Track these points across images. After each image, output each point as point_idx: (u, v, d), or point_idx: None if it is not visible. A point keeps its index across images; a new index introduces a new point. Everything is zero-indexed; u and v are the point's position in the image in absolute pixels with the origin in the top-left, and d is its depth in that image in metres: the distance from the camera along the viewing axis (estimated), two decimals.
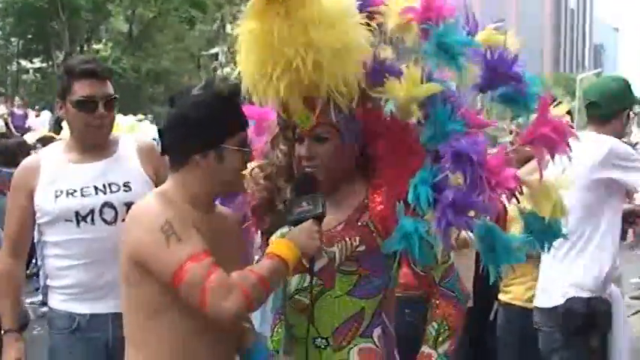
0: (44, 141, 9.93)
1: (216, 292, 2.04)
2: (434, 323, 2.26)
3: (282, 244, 2.17)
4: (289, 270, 2.14)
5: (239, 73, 2.25)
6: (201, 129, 2.20)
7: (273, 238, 2.32)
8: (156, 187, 2.94)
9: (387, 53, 2.27)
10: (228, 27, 35.58)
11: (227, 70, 35.54)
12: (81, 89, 2.96)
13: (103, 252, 2.94)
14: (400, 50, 2.31)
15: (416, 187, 2.09)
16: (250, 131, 2.58)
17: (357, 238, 2.19)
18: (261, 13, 2.07)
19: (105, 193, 3.00)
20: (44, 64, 32.81)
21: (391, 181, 2.19)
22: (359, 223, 2.22)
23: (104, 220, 2.99)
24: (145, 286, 2.18)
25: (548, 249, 2.36)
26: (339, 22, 2.10)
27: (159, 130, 2.31)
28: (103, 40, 33.63)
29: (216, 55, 35.77)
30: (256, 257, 4.45)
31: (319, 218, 2.17)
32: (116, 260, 2.86)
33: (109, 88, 3.02)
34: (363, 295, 2.22)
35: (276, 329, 2.48)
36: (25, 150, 7.65)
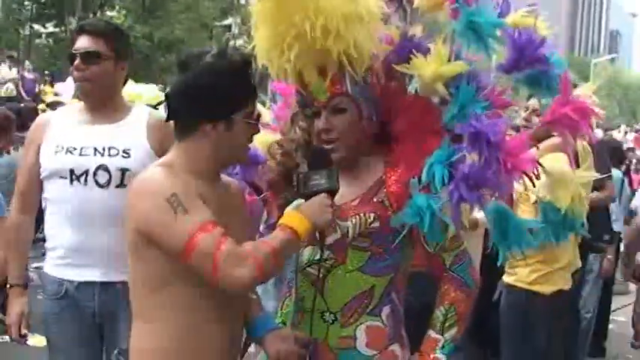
0: (53, 106, 9.94)
1: (229, 261, 2.02)
2: (442, 308, 2.25)
3: (294, 215, 2.15)
4: (300, 242, 2.14)
5: (253, 48, 2.23)
6: (213, 97, 2.16)
7: (288, 209, 2.31)
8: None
9: (416, 30, 2.26)
10: None
11: (240, 42, 35.45)
12: (74, 44, 3.05)
13: (93, 216, 2.97)
14: (429, 28, 2.30)
15: (431, 166, 2.09)
16: (278, 106, 2.58)
17: (372, 215, 2.18)
18: None
19: (102, 156, 3.00)
20: (57, 29, 32.74)
21: (408, 159, 2.18)
22: (374, 200, 2.21)
23: (97, 182, 2.99)
24: (151, 259, 2.16)
25: (564, 241, 2.37)
26: None
27: (166, 95, 2.25)
28: (116, 7, 33.50)
29: (230, 26, 35.60)
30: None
31: (332, 192, 2.16)
32: (106, 227, 2.93)
33: (94, 44, 3.00)
34: (375, 273, 2.21)
35: (285, 302, 2.49)
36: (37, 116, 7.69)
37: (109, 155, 3.01)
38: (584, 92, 2.21)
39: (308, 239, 2.19)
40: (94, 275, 3.01)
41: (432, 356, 2.22)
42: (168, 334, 2.18)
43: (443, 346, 2.22)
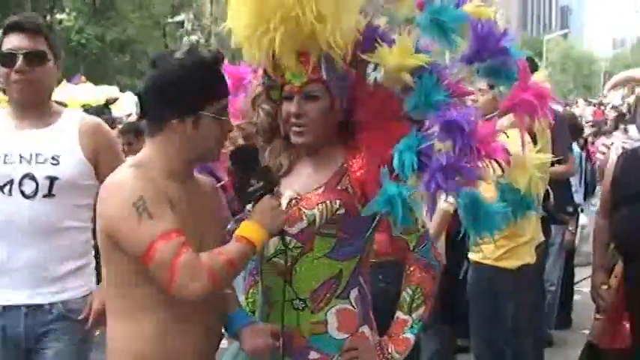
0: None
1: (184, 272, 2.03)
2: (408, 289, 2.29)
3: (249, 226, 2.16)
4: (257, 251, 2.16)
5: (229, 30, 2.22)
6: (180, 93, 2.16)
7: (248, 206, 2.31)
8: (95, 169, 2.85)
9: (381, 22, 2.28)
10: None
11: (194, 37, 35.23)
12: (5, 44, 2.80)
13: (18, 230, 2.75)
14: (393, 20, 2.33)
15: (401, 154, 2.11)
16: None
17: (337, 202, 2.20)
18: None
19: (29, 163, 2.77)
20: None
21: (371, 146, 2.20)
22: (338, 187, 2.23)
23: (22, 193, 2.75)
24: (120, 260, 2.16)
25: (520, 219, 2.41)
26: None
27: (137, 94, 2.25)
28: (66, 10, 33.02)
29: (182, 22, 35.33)
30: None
31: (273, 190, 2.20)
32: (33, 242, 2.74)
33: (36, 43, 2.78)
34: (341, 257, 2.24)
35: (250, 291, 2.54)
36: None
37: (37, 162, 2.78)
38: (539, 77, 2.26)
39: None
40: (21, 297, 2.77)
41: (401, 337, 2.26)
42: (141, 335, 2.18)
43: (411, 326, 2.27)
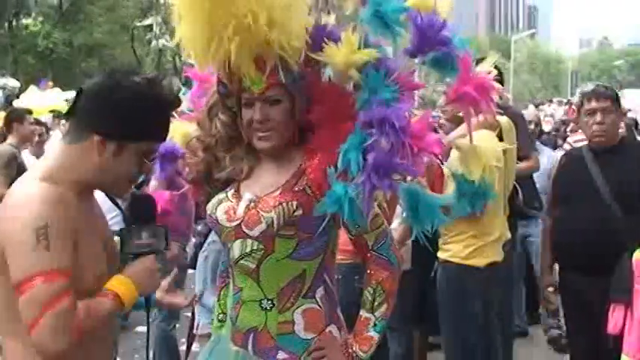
0: None
1: (52, 324, 1.92)
2: (369, 288, 2.30)
3: (122, 282, 2.08)
4: (125, 308, 2.07)
5: (179, 41, 2.19)
6: (119, 115, 2.07)
7: (208, 206, 2.32)
8: None
9: (329, 19, 2.28)
10: None
11: (162, 41, 35.04)
12: None
13: None
14: (341, 17, 2.32)
15: (346, 152, 2.11)
16: (192, 93, 2.59)
17: (295, 203, 2.19)
18: None
19: None
20: None
21: (325, 146, 2.19)
22: (296, 188, 2.23)
23: None
24: (4, 278, 2.01)
25: (479, 210, 2.44)
26: None
27: (80, 89, 2.13)
28: (33, 15, 32.70)
29: (151, 26, 35.12)
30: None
31: (161, 252, 2.17)
32: None
33: None
34: (304, 257, 2.25)
35: (222, 293, 2.56)
36: None
37: None
38: (483, 69, 2.27)
39: (234, 234, 2.23)
40: None
41: (364, 335, 2.27)
42: (36, 356, 2.02)
43: (374, 325, 2.28)
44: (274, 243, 2.21)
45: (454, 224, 3.86)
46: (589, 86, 4.22)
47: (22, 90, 14.10)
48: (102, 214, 2.30)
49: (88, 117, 2.10)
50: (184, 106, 2.63)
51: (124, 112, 2.06)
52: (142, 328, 6.87)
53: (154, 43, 34.90)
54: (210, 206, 2.32)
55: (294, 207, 2.18)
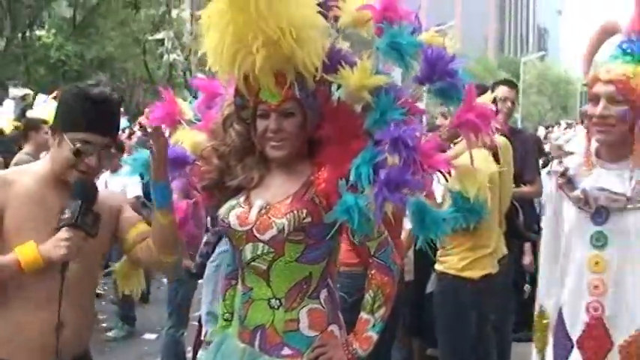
0: None
1: None
2: (370, 292, 2.48)
3: (28, 248, 2.43)
4: (22, 270, 2.41)
5: (204, 54, 2.38)
6: (59, 111, 2.58)
7: (220, 211, 2.51)
8: None
9: (343, 45, 2.48)
10: (174, 12, 35.32)
11: (174, 56, 35.33)
12: None
13: None
14: (354, 43, 2.53)
15: (358, 167, 2.30)
16: (199, 102, 2.80)
17: (304, 211, 2.38)
18: None
19: None
20: None
21: (335, 160, 2.38)
22: (305, 198, 2.41)
23: None
24: None
25: (472, 225, 2.70)
26: (310, 3, 2.30)
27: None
28: (46, 27, 32.98)
29: (162, 40, 35.40)
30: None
31: (76, 226, 2.45)
32: None
33: None
34: (310, 261, 2.44)
35: (227, 293, 2.76)
36: None
37: None
38: (484, 100, 2.53)
39: (245, 238, 2.42)
40: None
41: (364, 335, 2.45)
42: None
43: (374, 325, 2.46)
44: (284, 247, 2.39)
45: (451, 237, 4.03)
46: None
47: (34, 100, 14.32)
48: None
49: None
50: (192, 115, 2.84)
51: (62, 109, 2.57)
52: (150, 335, 7.06)
53: (165, 57, 35.14)
54: (222, 212, 2.50)
55: (304, 215, 2.37)
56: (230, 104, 2.53)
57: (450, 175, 2.43)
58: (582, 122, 10.73)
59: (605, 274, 2.74)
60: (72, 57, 30.25)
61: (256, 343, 2.46)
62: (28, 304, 2.47)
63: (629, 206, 2.69)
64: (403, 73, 2.46)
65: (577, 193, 2.79)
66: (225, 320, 2.75)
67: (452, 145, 2.95)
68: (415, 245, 4.35)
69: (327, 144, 2.43)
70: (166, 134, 2.72)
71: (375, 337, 2.46)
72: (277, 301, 2.44)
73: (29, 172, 2.59)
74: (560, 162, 2.91)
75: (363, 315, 2.48)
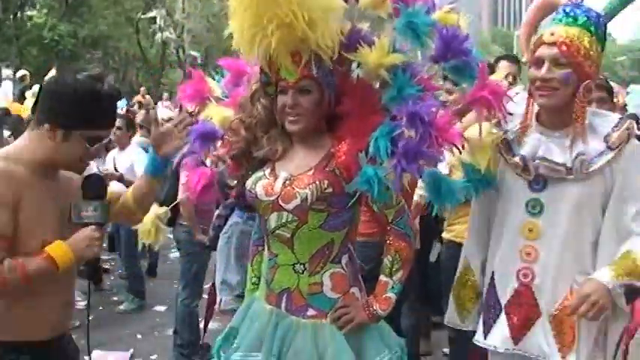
0: None
1: None
2: (388, 256, 2.64)
3: (62, 247, 2.47)
4: (59, 270, 2.45)
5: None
6: (61, 109, 2.48)
7: (248, 182, 2.66)
8: None
9: (364, 25, 2.60)
10: None
11: (166, 34, 35.23)
12: None
13: None
14: (374, 24, 2.63)
15: (377, 140, 2.44)
16: (226, 80, 2.93)
17: (326, 182, 2.53)
18: None
19: None
20: None
21: (354, 134, 2.52)
22: (326, 169, 2.56)
23: None
24: None
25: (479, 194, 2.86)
26: None
27: (40, 85, 2.58)
28: (37, 6, 32.85)
29: (155, 19, 35.29)
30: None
31: (101, 225, 2.57)
32: None
33: None
34: (332, 228, 2.59)
35: (255, 259, 2.93)
36: None
37: None
38: (498, 77, 2.64)
39: (271, 208, 2.57)
40: None
41: (383, 296, 2.62)
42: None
43: (392, 287, 2.63)
44: (307, 215, 2.54)
45: (458, 207, 4.16)
46: None
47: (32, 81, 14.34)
48: (69, 191, 2.65)
49: (41, 109, 2.54)
50: (219, 92, 2.98)
51: (65, 106, 2.47)
52: (160, 307, 7.23)
53: (158, 35, 35.06)
54: (249, 183, 2.66)
55: (326, 185, 2.52)
56: (257, 80, 2.67)
57: (463, 148, 2.57)
58: None
59: (538, 242, 2.74)
60: (65, 37, 30.18)
61: (282, 305, 2.62)
62: (48, 289, 2.53)
63: (569, 177, 2.67)
64: (420, 52, 2.57)
65: (516, 159, 2.75)
66: (253, 284, 2.92)
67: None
68: (422, 216, 4.52)
69: (346, 119, 2.56)
70: (196, 110, 2.86)
71: (393, 298, 2.62)
72: (301, 266, 2.59)
73: (21, 161, 2.50)
74: (499, 125, 2.85)
75: (382, 278, 2.64)
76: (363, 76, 2.58)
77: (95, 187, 2.63)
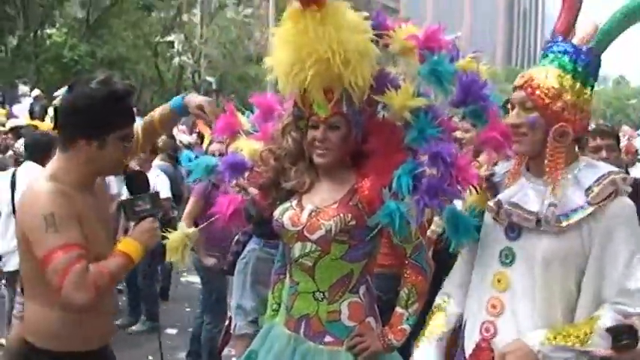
0: (14, 131, 9.95)
1: (73, 282, 2.47)
2: (405, 289, 2.77)
3: (130, 242, 2.68)
4: (135, 263, 2.68)
5: (271, 67, 2.65)
6: (88, 119, 2.62)
7: (275, 212, 2.81)
8: None
9: (390, 69, 2.75)
10: (185, 16, 35.59)
11: (184, 58, 35.60)
12: None
13: None
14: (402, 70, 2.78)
15: (399, 177, 2.57)
16: (256, 116, 3.09)
17: (349, 215, 2.67)
18: (296, 16, 2.50)
19: None
20: None
21: (378, 171, 2.66)
22: (350, 204, 2.70)
23: None
24: (30, 258, 2.61)
25: None
26: (361, 30, 2.56)
27: (55, 109, 2.73)
28: (57, 25, 33.23)
29: (173, 43, 35.67)
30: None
31: (155, 214, 2.77)
32: None
33: None
34: (353, 260, 2.72)
35: (276, 286, 3.05)
36: None
37: None
38: (507, 121, 2.65)
39: (296, 237, 2.71)
40: None
41: (399, 327, 2.74)
42: (55, 319, 2.64)
43: (407, 319, 2.75)
44: (330, 246, 2.67)
45: None
46: (592, 125, 4.45)
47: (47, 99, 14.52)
48: (104, 199, 2.89)
49: (66, 129, 2.68)
50: (249, 126, 3.12)
51: (90, 116, 2.61)
52: (171, 330, 7.32)
53: (175, 59, 35.42)
54: (277, 213, 2.80)
55: (349, 218, 2.65)
56: (289, 114, 2.82)
57: (481, 188, 2.70)
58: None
59: (504, 295, 2.52)
60: (84, 57, 30.51)
61: (301, 330, 2.75)
62: (98, 300, 2.65)
63: (541, 228, 2.43)
64: (441, 97, 2.70)
65: (491, 203, 2.60)
66: (273, 310, 3.03)
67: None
68: (436, 250, 4.63)
69: (371, 156, 2.70)
70: (227, 142, 3.03)
71: (408, 329, 2.74)
72: (321, 294, 2.72)
73: (67, 182, 2.63)
74: (488, 167, 2.83)
75: (398, 309, 2.76)
76: (388, 117, 2.72)
77: (139, 182, 2.83)
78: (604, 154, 4.36)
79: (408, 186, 2.55)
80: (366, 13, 2.60)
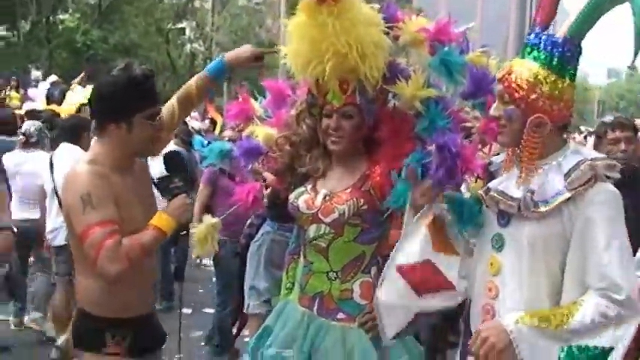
0: (29, 114, 10.01)
1: (106, 256, 2.67)
2: None
3: (163, 217, 2.85)
4: (167, 236, 2.85)
5: (285, 56, 2.76)
6: (113, 105, 2.83)
7: (291, 196, 2.93)
8: None
9: (401, 60, 2.85)
10: (197, 2, 35.65)
11: (195, 45, 35.68)
12: None
13: None
14: (412, 60, 2.88)
15: (409, 165, 2.67)
16: (268, 101, 3.19)
17: (362, 200, 2.79)
18: (312, 10, 2.58)
19: None
20: (8, 33, 32.51)
21: (388, 158, 2.77)
22: (362, 189, 2.82)
23: None
24: (73, 233, 2.82)
25: None
26: (375, 23, 2.67)
27: (88, 100, 2.97)
28: (70, 11, 33.31)
29: (184, 30, 35.73)
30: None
31: (188, 192, 2.96)
32: None
33: None
34: (365, 242, 2.85)
35: (290, 266, 3.19)
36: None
37: None
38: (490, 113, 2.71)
39: (311, 220, 2.83)
40: None
41: None
42: (98, 288, 2.85)
43: None
44: (343, 228, 2.80)
45: None
46: (611, 117, 4.45)
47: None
48: (145, 179, 3.09)
49: (97, 117, 2.93)
50: (262, 112, 3.24)
51: (115, 101, 2.82)
52: (186, 310, 7.37)
53: (187, 46, 35.50)
54: (292, 196, 2.93)
55: (361, 203, 2.78)
56: (303, 102, 2.94)
57: (485, 178, 2.77)
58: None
59: (497, 278, 2.58)
60: (96, 42, 30.59)
61: (315, 307, 2.88)
62: (144, 267, 2.90)
63: (523, 214, 2.49)
64: (451, 88, 2.78)
65: (481, 190, 2.66)
66: (287, 289, 3.17)
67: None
68: None
69: (382, 144, 2.82)
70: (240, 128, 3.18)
71: None
72: (334, 274, 2.85)
73: (106, 165, 2.83)
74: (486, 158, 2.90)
75: None
76: (399, 106, 2.82)
77: (177, 161, 3.03)
78: (622, 146, 4.34)
79: (418, 173, 2.65)
80: (377, 5, 2.71)
